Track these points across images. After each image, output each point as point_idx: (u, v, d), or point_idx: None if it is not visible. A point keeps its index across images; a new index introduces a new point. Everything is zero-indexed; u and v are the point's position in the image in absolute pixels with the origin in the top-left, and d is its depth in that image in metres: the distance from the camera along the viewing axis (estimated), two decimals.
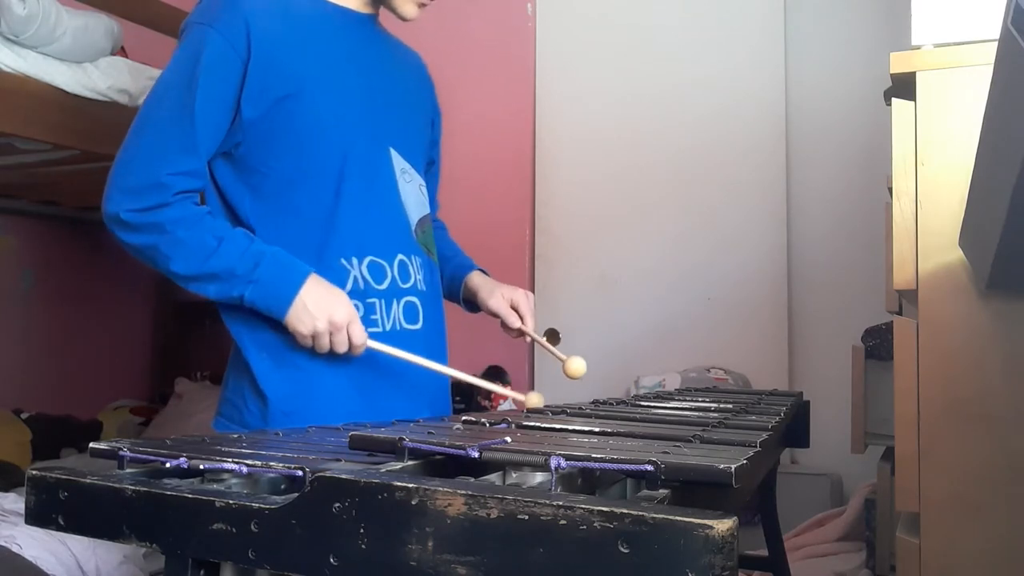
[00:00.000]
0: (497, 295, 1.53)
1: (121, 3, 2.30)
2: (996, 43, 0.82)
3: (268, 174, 1.31)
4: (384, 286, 1.35)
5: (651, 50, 2.99)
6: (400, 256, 1.37)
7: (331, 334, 1.25)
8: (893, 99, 1.34)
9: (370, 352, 1.30)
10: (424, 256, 1.43)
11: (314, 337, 1.25)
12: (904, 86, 1.32)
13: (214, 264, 1.24)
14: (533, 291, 3.07)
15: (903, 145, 1.31)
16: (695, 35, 2.95)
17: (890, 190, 1.33)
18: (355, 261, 1.33)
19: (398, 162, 1.40)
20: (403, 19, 1.40)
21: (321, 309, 1.24)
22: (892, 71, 1.31)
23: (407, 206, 1.40)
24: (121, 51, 2.30)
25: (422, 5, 1.40)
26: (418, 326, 1.38)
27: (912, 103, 1.30)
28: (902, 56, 1.30)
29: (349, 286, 1.32)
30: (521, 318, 1.52)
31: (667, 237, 2.93)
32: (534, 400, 1.32)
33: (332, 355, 1.28)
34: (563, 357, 1.45)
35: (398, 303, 1.37)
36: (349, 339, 1.26)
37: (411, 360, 1.32)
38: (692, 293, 2.89)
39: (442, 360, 1.45)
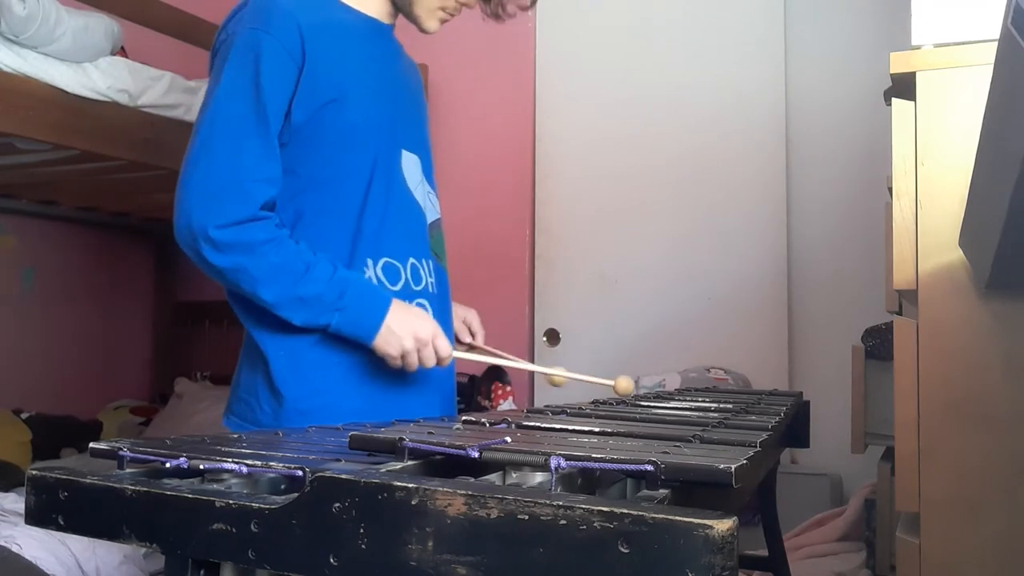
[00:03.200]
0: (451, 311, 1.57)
1: (121, 3, 2.30)
2: (996, 43, 0.82)
3: (304, 176, 1.32)
4: (398, 287, 1.37)
5: (651, 50, 2.99)
6: (412, 259, 1.40)
7: (419, 350, 1.30)
8: (893, 99, 1.34)
9: (379, 359, 1.32)
10: (435, 261, 1.46)
11: (403, 356, 1.29)
12: (904, 86, 1.32)
13: (302, 290, 1.25)
14: (533, 291, 3.09)
15: (903, 145, 1.31)
16: (695, 35, 2.95)
17: (890, 190, 1.33)
18: (370, 262, 1.35)
19: (412, 167, 1.43)
20: (426, 32, 1.44)
21: (406, 329, 1.29)
22: (892, 71, 1.31)
23: (424, 210, 1.44)
24: (121, 51, 2.31)
25: (444, 21, 1.44)
26: None
27: (912, 103, 1.30)
28: (902, 56, 1.30)
29: None
30: (472, 334, 1.56)
31: (667, 237, 2.93)
32: (623, 385, 1.38)
33: (403, 374, 1.33)
34: (523, 366, 1.59)
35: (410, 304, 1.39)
36: (436, 352, 1.31)
37: (503, 361, 1.47)
38: (692, 293, 2.88)
39: (450, 367, 1.49)
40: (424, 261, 1.42)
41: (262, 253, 1.23)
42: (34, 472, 0.64)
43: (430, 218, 1.46)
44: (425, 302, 1.41)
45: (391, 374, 1.35)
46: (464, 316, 1.57)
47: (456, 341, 1.55)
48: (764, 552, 1.69)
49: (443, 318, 1.46)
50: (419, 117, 1.51)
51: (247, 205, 1.23)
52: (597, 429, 0.84)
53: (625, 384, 1.40)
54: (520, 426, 0.84)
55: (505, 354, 1.54)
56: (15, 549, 1.75)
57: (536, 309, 3.08)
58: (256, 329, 1.33)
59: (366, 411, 1.27)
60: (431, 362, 1.31)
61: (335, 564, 0.53)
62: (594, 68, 3.05)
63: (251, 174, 1.25)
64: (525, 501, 0.48)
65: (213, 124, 1.26)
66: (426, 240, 1.44)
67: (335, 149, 1.33)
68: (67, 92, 2.06)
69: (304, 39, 1.28)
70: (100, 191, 2.92)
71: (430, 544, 0.50)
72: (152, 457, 0.66)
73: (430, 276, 1.43)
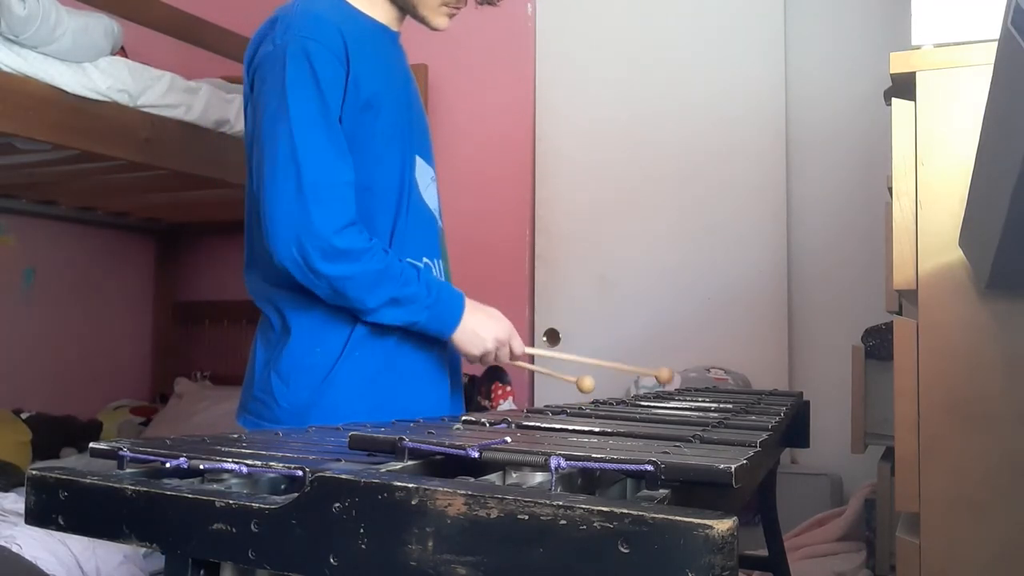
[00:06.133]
0: None
1: (121, 3, 2.30)
2: (996, 43, 0.82)
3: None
4: None
5: (651, 50, 2.99)
6: (426, 259, 1.43)
7: (497, 350, 1.39)
8: (893, 99, 1.34)
9: (401, 357, 1.37)
10: (442, 262, 1.50)
11: (483, 356, 1.39)
12: (904, 86, 1.32)
13: (401, 292, 1.30)
14: (533, 291, 3.09)
15: (903, 145, 1.31)
16: (695, 35, 2.95)
17: (890, 190, 1.33)
18: None
19: (423, 171, 1.47)
20: (435, 29, 1.46)
21: (488, 331, 1.38)
22: (892, 71, 1.31)
23: (434, 212, 1.48)
24: (121, 51, 2.31)
25: (451, 15, 1.45)
26: None
27: (912, 103, 1.30)
28: (902, 56, 1.30)
29: None
30: None
31: (667, 237, 2.93)
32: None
33: (379, 357, 1.36)
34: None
35: None
36: (512, 351, 1.42)
37: (569, 359, 1.63)
38: (692, 293, 2.88)
39: (459, 362, 1.53)
40: (436, 262, 1.46)
41: (366, 261, 1.27)
42: (34, 472, 0.63)
43: (440, 220, 1.51)
44: None
45: (405, 375, 1.39)
46: None
47: None
48: (764, 552, 1.69)
49: None
50: (425, 123, 1.55)
51: (349, 207, 1.27)
52: (597, 429, 0.84)
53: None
54: (520, 426, 0.84)
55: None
56: (15, 549, 1.75)
57: (536, 309, 3.08)
58: (297, 316, 1.35)
59: (383, 407, 1.31)
60: (507, 359, 1.42)
61: (335, 564, 0.53)
62: (594, 68, 3.05)
63: (343, 178, 1.28)
64: (525, 501, 0.48)
65: (294, 136, 1.26)
66: (437, 241, 1.48)
67: (373, 153, 1.35)
68: (67, 92, 2.06)
69: (347, 46, 1.31)
70: (100, 191, 2.92)
71: (430, 544, 0.50)
72: (152, 457, 0.66)
73: (441, 277, 1.47)
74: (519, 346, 1.43)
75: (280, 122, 1.27)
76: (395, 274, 1.30)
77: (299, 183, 1.24)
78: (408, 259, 1.39)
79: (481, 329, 1.37)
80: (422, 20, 1.44)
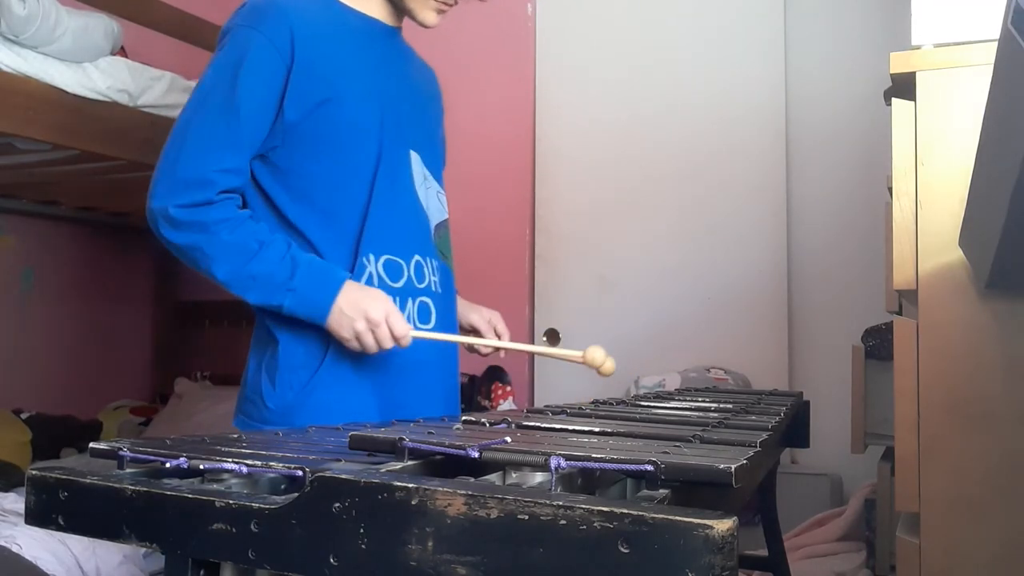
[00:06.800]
0: (475, 314, 1.56)
1: (121, 3, 2.30)
2: (996, 43, 0.82)
3: (306, 176, 1.34)
4: (400, 284, 1.38)
5: (651, 50, 2.99)
6: (417, 257, 1.41)
7: (372, 332, 1.28)
8: (893, 99, 1.34)
9: (388, 355, 1.33)
10: (440, 260, 1.46)
11: (357, 338, 1.28)
12: (904, 86, 1.32)
13: (254, 269, 1.27)
14: (533, 291, 3.09)
15: (903, 145, 1.31)
16: (695, 35, 2.95)
17: (890, 190, 1.33)
18: (372, 257, 1.36)
19: (418, 167, 1.44)
20: (424, 26, 1.44)
21: (357, 310, 1.27)
22: (892, 71, 1.31)
23: (427, 209, 1.45)
24: (121, 51, 2.30)
25: (441, 11, 1.43)
26: (430, 326, 1.42)
27: (912, 103, 1.30)
28: (902, 56, 1.30)
29: (363, 281, 1.35)
30: (498, 336, 1.57)
31: (667, 237, 2.93)
32: (592, 354, 1.35)
33: (366, 355, 1.32)
34: (555, 353, 1.52)
35: (413, 302, 1.40)
36: (392, 332, 1.28)
37: (461, 340, 1.46)
38: (692, 293, 2.88)
39: (453, 361, 1.50)
40: (429, 259, 1.43)
41: (216, 231, 1.27)
42: (34, 472, 0.64)
43: (438, 218, 1.47)
44: (429, 300, 1.42)
45: (395, 376, 1.37)
46: (489, 317, 1.57)
47: (470, 348, 1.55)
48: (764, 552, 1.69)
49: (448, 317, 1.47)
50: (428, 118, 1.53)
51: (207, 191, 1.28)
52: (597, 429, 0.84)
53: (594, 354, 1.35)
54: (520, 426, 0.84)
55: (483, 340, 1.53)
56: (15, 549, 1.75)
57: (536, 309, 3.08)
58: (272, 321, 1.35)
59: (371, 411, 1.30)
60: (388, 343, 1.29)
61: (335, 564, 0.53)
62: (594, 68, 3.05)
63: (216, 165, 1.29)
64: (525, 501, 0.48)
65: (188, 115, 1.31)
66: (430, 239, 1.45)
67: (335, 148, 1.34)
68: (67, 92, 2.06)
69: (295, 39, 1.30)
70: (100, 191, 2.92)
71: (430, 544, 0.50)
72: (152, 457, 0.66)
73: (434, 275, 1.44)
74: (400, 326, 1.28)
75: (187, 102, 1.33)
76: (249, 249, 1.27)
77: (174, 161, 1.29)
78: (391, 256, 1.37)
79: (349, 308, 1.27)
80: (410, 14, 1.43)
